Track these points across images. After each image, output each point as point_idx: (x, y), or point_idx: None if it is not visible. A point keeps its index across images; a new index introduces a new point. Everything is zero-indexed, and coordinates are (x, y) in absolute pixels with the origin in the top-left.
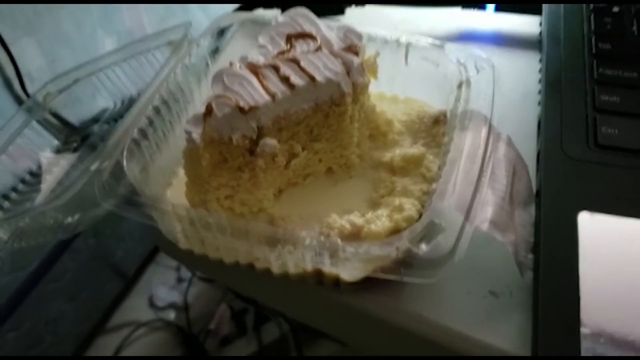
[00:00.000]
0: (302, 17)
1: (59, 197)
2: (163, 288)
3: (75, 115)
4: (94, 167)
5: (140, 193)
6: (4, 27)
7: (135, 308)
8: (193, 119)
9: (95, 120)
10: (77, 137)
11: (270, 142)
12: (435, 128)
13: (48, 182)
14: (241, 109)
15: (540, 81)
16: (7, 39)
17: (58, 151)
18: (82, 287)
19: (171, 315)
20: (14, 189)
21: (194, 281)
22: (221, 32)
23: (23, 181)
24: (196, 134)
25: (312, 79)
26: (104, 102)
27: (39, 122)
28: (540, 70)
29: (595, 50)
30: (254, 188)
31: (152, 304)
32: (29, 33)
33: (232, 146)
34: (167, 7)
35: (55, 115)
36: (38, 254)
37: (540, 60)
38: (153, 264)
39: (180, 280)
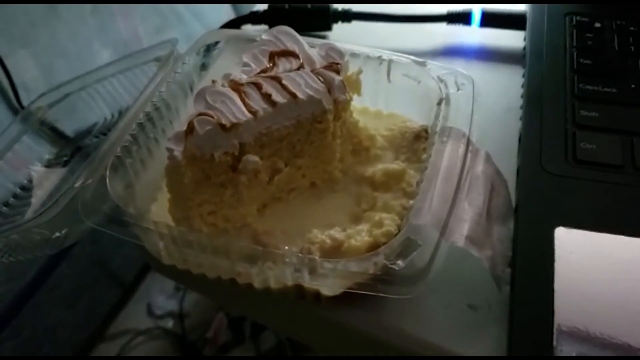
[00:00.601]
0: (285, 35)
1: (43, 214)
2: (161, 296)
3: (67, 128)
4: (77, 184)
5: (123, 209)
6: None
7: (133, 316)
8: (174, 136)
9: (86, 133)
10: (68, 150)
11: (252, 158)
12: (416, 143)
13: (38, 197)
14: (223, 126)
15: (522, 96)
16: (3, 50)
17: (49, 165)
18: (80, 295)
19: (169, 323)
20: (5, 203)
21: (190, 290)
22: (208, 49)
23: (14, 195)
24: (178, 152)
25: (294, 96)
26: (95, 115)
27: (30, 135)
28: (523, 85)
29: (576, 66)
30: (237, 204)
31: (150, 312)
32: (25, 44)
33: (214, 163)
34: (163, 17)
35: (46, 130)
36: (35, 262)
37: (523, 75)
38: (151, 272)
39: (178, 288)
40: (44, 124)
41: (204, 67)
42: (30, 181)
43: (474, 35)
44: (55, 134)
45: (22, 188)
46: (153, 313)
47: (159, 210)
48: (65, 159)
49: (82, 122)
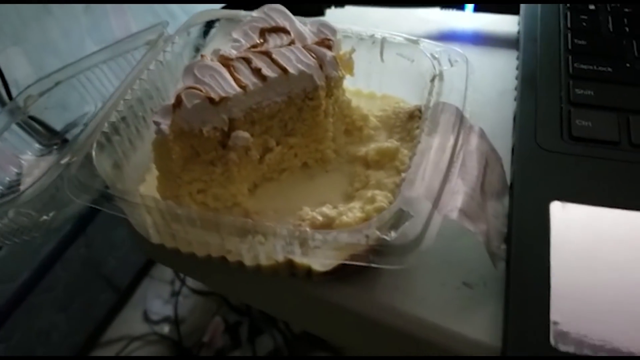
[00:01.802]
0: (276, 12)
1: (26, 192)
2: (157, 302)
3: (56, 117)
4: (64, 161)
5: (110, 186)
6: None
7: (129, 322)
8: (162, 110)
9: (76, 122)
10: (58, 139)
11: (242, 134)
12: (410, 123)
13: (27, 184)
14: (211, 100)
15: (517, 77)
16: None
17: (39, 154)
18: (74, 298)
19: (165, 329)
20: None
21: (188, 294)
22: (204, 32)
23: (4, 184)
24: (165, 125)
25: (284, 71)
26: (84, 104)
27: (19, 125)
28: (517, 67)
29: (571, 46)
30: (227, 182)
31: (146, 317)
32: (16, 42)
33: (203, 139)
34: (156, 16)
35: (36, 118)
36: (29, 264)
37: (518, 58)
38: (147, 277)
39: (174, 293)
40: (33, 114)
41: (197, 50)
42: (20, 171)
43: (468, 20)
44: (43, 124)
45: (12, 177)
46: (149, 319)
47: (147, 191)
48: (55, 147)
49: (71, 111)
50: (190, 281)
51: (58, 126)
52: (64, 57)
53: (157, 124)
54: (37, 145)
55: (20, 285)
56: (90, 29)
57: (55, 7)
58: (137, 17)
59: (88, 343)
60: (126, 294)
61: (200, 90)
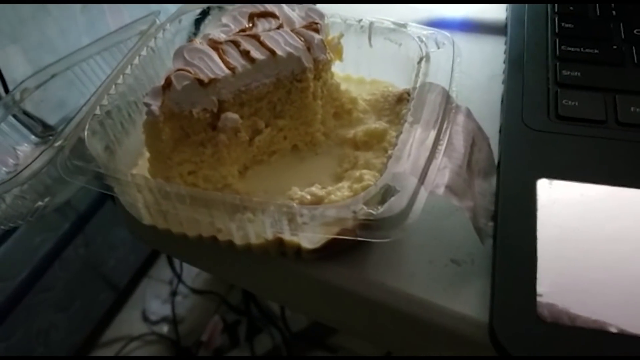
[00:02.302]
0: None
1: (21, 173)
2: (156, 302)
3: (52, 109)
4: (57, 144)
5: (102, 166)
6: None
7: (128, 322)
8: (152, 91)
9: (71, 114)
10: (53, 130)
11: (231, 116)
12: (398, 106)
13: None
14: (200, 82)
15: (505, 61)
16: None
17: (36, 145)
18: (73, 298)
19: (164, 328)
20: None
21: (187, 294)
22: (196, 22)
23: (1, 175)
24: (155, 106)
25: (273, 53)
26: (80, 96)
27: (16, 117)
28: (505, 51)
29: (558, 30)
30: (217, 164)
31: (145, 317)
32: (14, 40)
33: (193, 120)
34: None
35: (32, 111)
36: (28, 263)
37: (506, 42)
38: (146, 277)
39: (173, 293)
40: (30, 106)
41: (189, 39)
42: (17, 161)
43: (457, 9)
44: (39, 116)
45: (10, 168)
46: (148, 319)
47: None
48: (51, 138)
49: (67, 103)
50: (188, 280)
51: (54, 118)
52: (61, 55)
53: (147, 105)
54: (33, 137)
55: (18, 284)
56: (87, 27)
57: (52, 5)
58: (134, 15)
59: (87, 343)
60: (125, 294)
61: (190, 72)
